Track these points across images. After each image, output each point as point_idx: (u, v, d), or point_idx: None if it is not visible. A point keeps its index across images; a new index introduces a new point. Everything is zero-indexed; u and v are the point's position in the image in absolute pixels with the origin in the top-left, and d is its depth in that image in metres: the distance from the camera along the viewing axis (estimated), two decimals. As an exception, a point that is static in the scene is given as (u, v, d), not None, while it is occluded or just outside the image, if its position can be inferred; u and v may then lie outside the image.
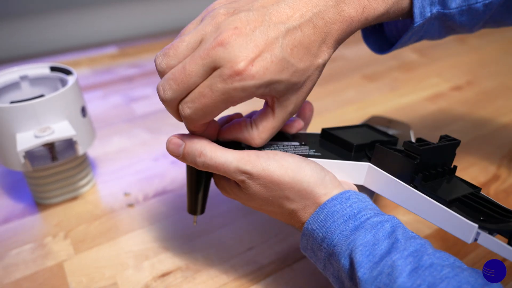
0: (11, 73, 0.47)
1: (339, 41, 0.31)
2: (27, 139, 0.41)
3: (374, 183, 0.33)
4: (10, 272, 0.40)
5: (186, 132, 0.32)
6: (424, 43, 0.93)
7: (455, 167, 0.33)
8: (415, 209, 0.30)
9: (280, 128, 0.32)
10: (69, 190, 0.49)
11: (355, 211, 0.29)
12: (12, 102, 0.42)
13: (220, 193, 0.49)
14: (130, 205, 0.48)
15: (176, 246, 0.42)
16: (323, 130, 0.36)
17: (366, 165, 0.33)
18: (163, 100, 0.28)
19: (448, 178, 0.32)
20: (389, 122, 0.45)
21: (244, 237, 0.43)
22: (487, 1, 0.36)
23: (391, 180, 0.31)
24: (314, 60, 0.29)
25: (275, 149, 0.33)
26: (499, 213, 0.28)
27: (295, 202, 0.31)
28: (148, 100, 0.72)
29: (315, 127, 0.62)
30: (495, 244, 0.26)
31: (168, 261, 0.41)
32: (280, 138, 0.35)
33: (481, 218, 0.28)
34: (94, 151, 0.58)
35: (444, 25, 0.38)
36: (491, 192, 0.49)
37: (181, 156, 0.31)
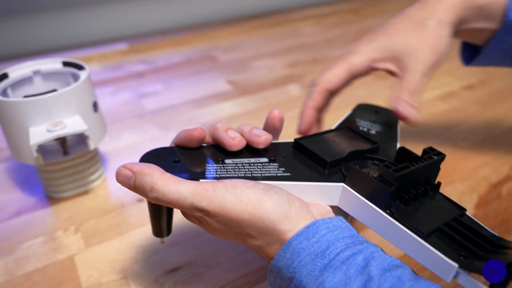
0: (24, 68, 0.47)
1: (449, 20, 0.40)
2: (39, 133, 0.42)
3: (348, 205, 0.30)
4: (22, 265, 0.40)
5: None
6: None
7: (439, 183, 0.30)
8: (391, 239, 0.28)
9: None
10: (80, 185, 0.49)
11: (324, 247, 0.26)
12: (25, 97, 0.42)
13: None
14: (140, 200, 0.48)
15: (185, 241, 0.42)
16: (296, 140, 0.33)
17: (340, 187, 0.30)
18: None
19: (431, 196, 0.30)
20: (376, 112, 0.42)
21: (253, 234, 0.43)
22: None
23: (366, 205, 0.29)
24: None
25: (239, 169, 0.30)
26: (482, 247, 0.26)
27: (258, 239, 0.28)
28: (158, 96, 0.72)
29: (326, 126, 0.62)
30: (475, 287, 0.24)
31: (177, 256, 0.41)
32: (249, 151, 0.33)
33: (462, 254, 0.25)
34: (104, 146, 0.58)
35: None
36: (503, 193, 0.49)
37: (133, 188, 0.29)
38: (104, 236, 0.44)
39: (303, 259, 0.26)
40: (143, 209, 0.47)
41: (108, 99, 0.72)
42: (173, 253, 0.41)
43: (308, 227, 0.27)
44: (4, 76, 0.46)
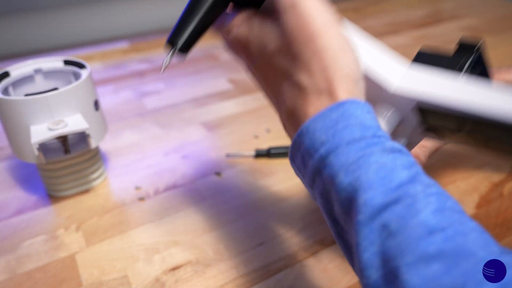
0: (26, 67, 0.47)
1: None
2: (40, 131, 0.42)
3: (414, 83, 0.28)
4: (23, 263, 0.40)
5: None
6: (437, 39, 0.91)
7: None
8: (463, 101, 0.26)
9: None
10: (81, 183, 0.49)
11: (375, 127, 0.23)
12: (26, 95, 0.42)
13: (231, 187, 0.49)
14: (141, 199, 0.48)
15: (187, 240, 0.43)
16: None
17: (406, 66, 0.29)
18: None
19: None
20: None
21: (254, 232, 0.43)
22: None
23: (437, 75, 0.27)
24: None
25: None
26: None
27: (315, 75, 0.24)
28: (159, 95, 0.72)
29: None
30: None
31: (179, 255, 0.41)
32: None
33: None
34: (105, 145, 0.58)
35: None
36: (504, 192, 0.49)
37: None
38: (105, 234, 0.44)
39: (351, 127, 0.23)
40: (144, 207, 0.47)
41: (109, 98, 0.72)
42: (174, 251, 0.41)
43: (366, 102, 0.25)
44: (6, 74, 0.46)
